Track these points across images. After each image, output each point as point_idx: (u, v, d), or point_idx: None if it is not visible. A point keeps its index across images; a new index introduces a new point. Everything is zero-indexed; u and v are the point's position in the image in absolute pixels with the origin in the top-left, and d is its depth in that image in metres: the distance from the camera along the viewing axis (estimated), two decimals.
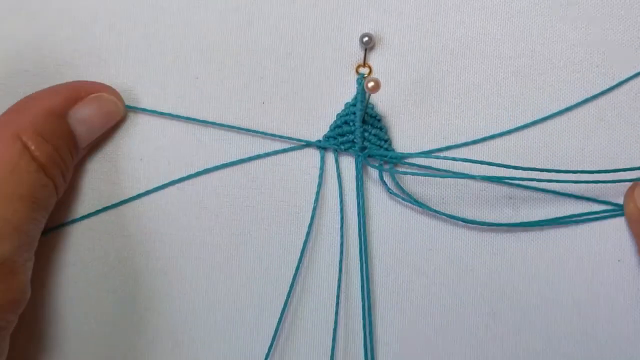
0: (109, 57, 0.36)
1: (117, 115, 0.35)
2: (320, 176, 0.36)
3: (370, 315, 0.35)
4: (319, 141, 0.36)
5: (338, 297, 0.36)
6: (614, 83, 0.36)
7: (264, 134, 0.36)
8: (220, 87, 0.36)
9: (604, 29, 0.36)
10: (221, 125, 0.36)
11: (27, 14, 0.36)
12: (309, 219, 0.36)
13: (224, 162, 0.36)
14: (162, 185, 0.36)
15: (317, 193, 0.36)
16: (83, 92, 0.34)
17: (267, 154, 0.36)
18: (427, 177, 0.36)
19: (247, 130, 0.36)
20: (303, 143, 0.36)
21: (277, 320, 0.36)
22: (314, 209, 0.36)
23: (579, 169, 0.36)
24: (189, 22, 0.36)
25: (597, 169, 0.36)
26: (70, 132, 0.33)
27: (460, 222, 0.36)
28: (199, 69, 0.36)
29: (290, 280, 0.36)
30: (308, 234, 0.36)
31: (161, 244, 0.36)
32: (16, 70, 0.36)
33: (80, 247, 0.36)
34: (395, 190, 0.36)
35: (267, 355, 0.35)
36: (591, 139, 0.36)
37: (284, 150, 0.36)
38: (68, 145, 0.33)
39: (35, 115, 0.32)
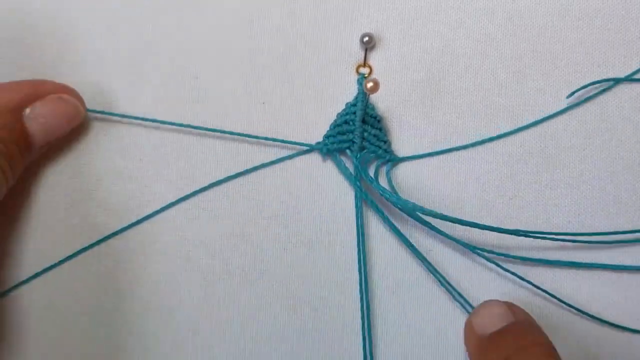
0: (108, 57, 0.36)
1: (76, 119, 0.35)
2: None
3: (369, 315, 0.35)
4: (319, 144, 0.36)
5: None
6: (615, 83, 0.36)
7: (265, 139, 0.36)
8: (220, 87, 0.36)
9: (605, 28, 0.36)
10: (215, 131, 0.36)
11: (26, 15, 0.36)
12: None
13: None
14: (176, 201, 0.36)
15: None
16: (43, 91, 0.34)
17: (272, 162, 0.36)
18: (425, 179, 0.36)
19: (247, 136, 0.36)
20: (305, 148, 0.36)
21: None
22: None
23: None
24: (188, 22, 0.36)
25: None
26: (23, 129, 0.33)
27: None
28: (198, 69, 0.36)
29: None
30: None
31: (164, 244, 0.36)
32: (15, 71, 0.36)
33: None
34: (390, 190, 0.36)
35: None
36: (592, 139, 0.36)
37: (290, 157, 0.36)
38: (18, 140, 0.33)
39: None
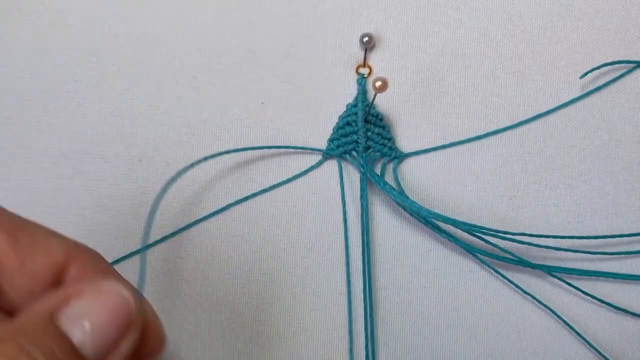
0: (107, 58, 0.36)
1: (132, 317, 0.23)
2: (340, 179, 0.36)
3: (371, 315, 0.35)
4: (327, 149, 0.36)
5: (350, 295, 0.36)
6: (615, 83, 0.36)
7: (275, 148, 0.36)
8: (219, 87, 0.36)
9: (605, 29, 0.36)
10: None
11: (24, 15, 0.36)
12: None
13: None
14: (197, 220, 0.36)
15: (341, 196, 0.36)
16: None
17: (285, 182, 0.36)
18: (424, 179, 0.36)
19: (256, 149, 0.36)
20: (314, 151, 0.36)
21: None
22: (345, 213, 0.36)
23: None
24: (187, 22, 0.36)
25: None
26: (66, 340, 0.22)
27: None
28: (197, 69, 0.36)
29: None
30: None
31: (166, 243, 0.36)
32: (13, 72, 0.36)
33: None
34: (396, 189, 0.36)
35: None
36: (591, 140, 0.36)
37: (304, 172, 0.36)
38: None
39: None
